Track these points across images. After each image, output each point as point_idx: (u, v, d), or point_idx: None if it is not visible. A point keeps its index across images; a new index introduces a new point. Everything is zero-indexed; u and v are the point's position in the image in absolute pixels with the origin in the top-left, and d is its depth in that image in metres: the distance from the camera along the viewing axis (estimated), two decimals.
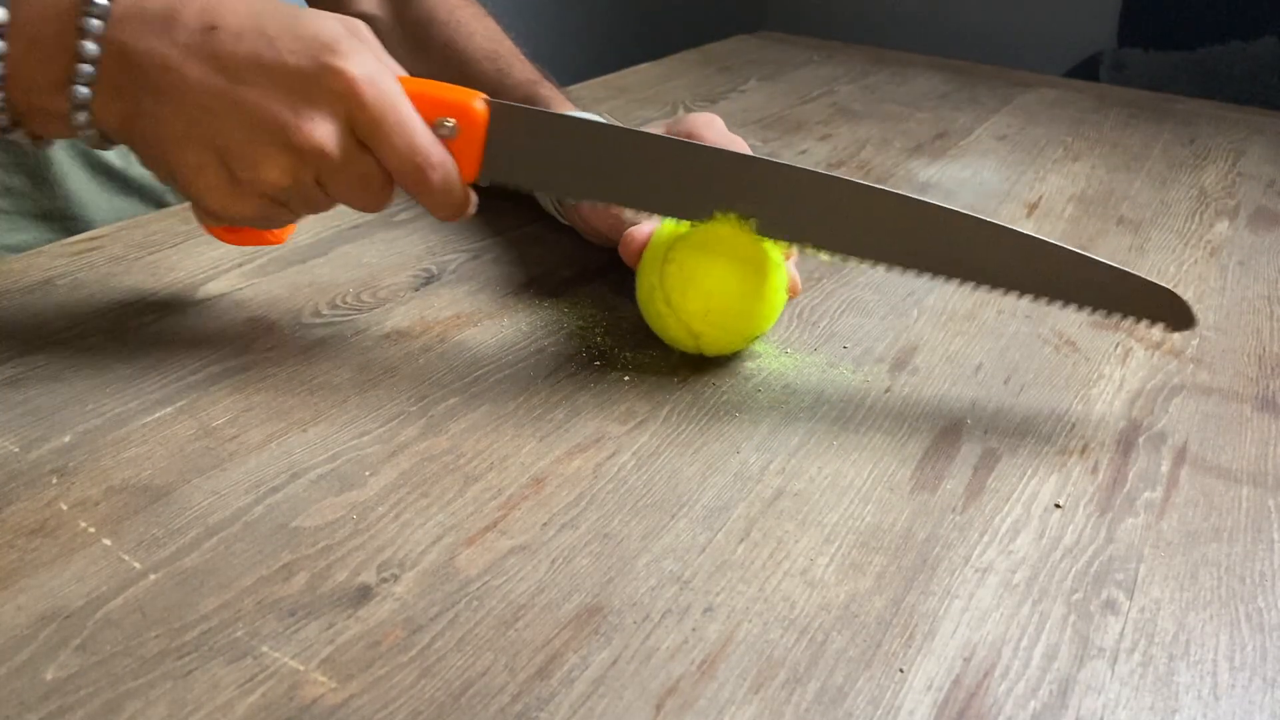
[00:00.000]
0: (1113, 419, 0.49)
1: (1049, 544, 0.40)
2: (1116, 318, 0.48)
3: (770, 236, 0.48)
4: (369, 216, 0.65)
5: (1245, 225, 0.75)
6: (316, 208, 0.46)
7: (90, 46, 0.41)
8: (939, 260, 0.47)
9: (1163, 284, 0.47)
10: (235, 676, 0.32)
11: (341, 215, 0.65)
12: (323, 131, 0.42)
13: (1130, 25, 2.10)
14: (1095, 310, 0.48)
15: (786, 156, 0.83)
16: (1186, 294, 0.63)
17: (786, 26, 1.87)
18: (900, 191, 0.47)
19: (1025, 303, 0.59)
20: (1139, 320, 0.48)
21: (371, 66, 0.42)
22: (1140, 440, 0.47)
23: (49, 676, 0.31)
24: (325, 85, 0.41)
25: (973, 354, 0.54)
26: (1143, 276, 0.47)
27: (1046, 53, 2.11)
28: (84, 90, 0.41)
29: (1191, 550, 0.40)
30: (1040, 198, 0.77)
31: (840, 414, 0.48)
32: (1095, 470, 0.45)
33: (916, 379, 0.51)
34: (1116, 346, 0.55)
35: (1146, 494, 0.44)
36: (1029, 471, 0.44)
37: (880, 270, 0.48)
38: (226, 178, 0.43)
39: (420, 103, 0.44)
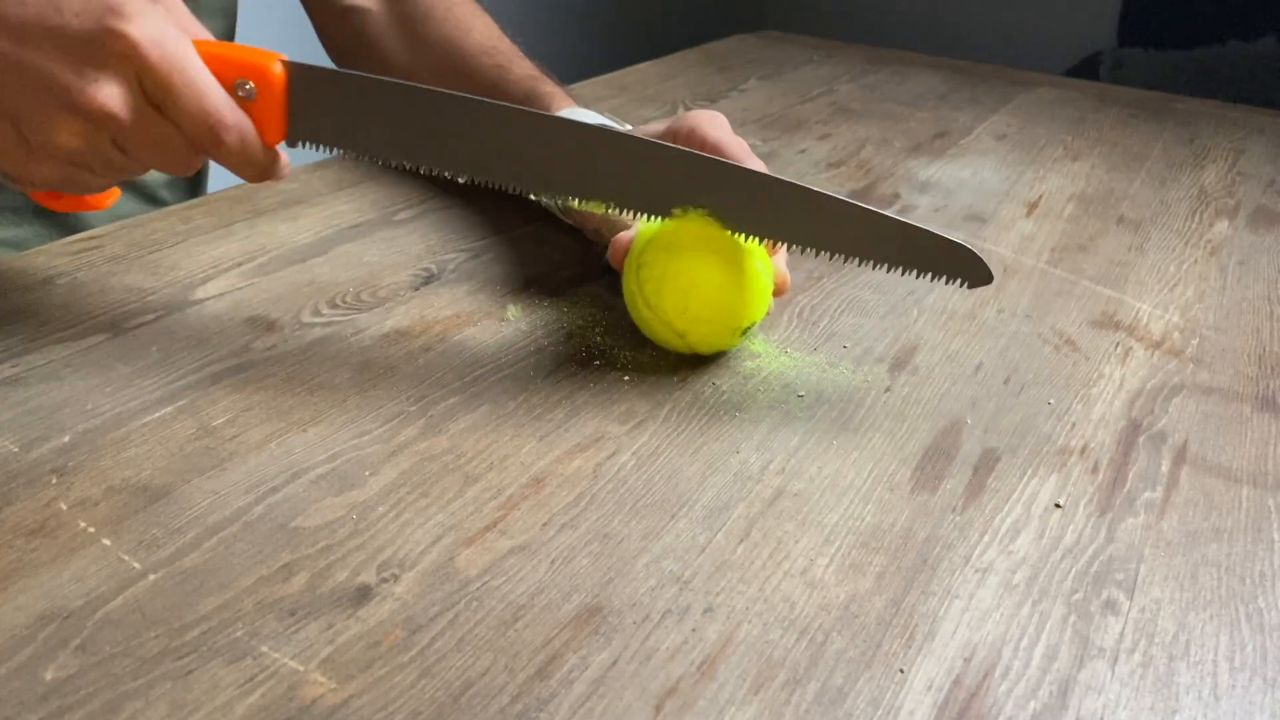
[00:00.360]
0: (1113, 419, 0.49)
1: (1049, 544, 0.40)
2: (913, 274, 0.47)
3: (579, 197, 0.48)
4: (369, 215, 0.65)
5: (1245, 225, 0.75)
6: (123, 171, 0.45)
7: None
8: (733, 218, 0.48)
9: (959, 240, 0.47)
10: (235, 677, 0.32)
11: (341, 214, 0.65)
12: (107, 94, 0.41)
13: (1130, 25, 2.10)
14: (892, 267, 0.47)
15: (786, 156, 0.83)
16: (1186, 294, 0.63)
17: (786, 26, 1.87)
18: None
19: (1023, 302, 0.59)
20: (936, 277, 0.47)
21: (157, 28, 0.42)
22: (1140, 440, 0.47)
23: (48, 677, 0.31)
24: (108, 47, 0.41)
25: (973, 354, 0.54)
26: (937, 232, 0.47)
27: (1046, 53, 2.11)
28: None
29: (1191, 550, 0.40)
30: (1040, 197, 0.77)
31: (840, 414, 0.48)
32: (1095, 470, 0.45)
33: (916, 379, 0.51)
34: (1116, 346, 0.55)
35: (1146, 494, 0.44)
36: (1029, 471, 0.44)
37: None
38: (19, 141, 0.42)
39: (216, 65, 0.44)
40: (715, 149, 0.53)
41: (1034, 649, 0.35)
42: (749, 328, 0.50)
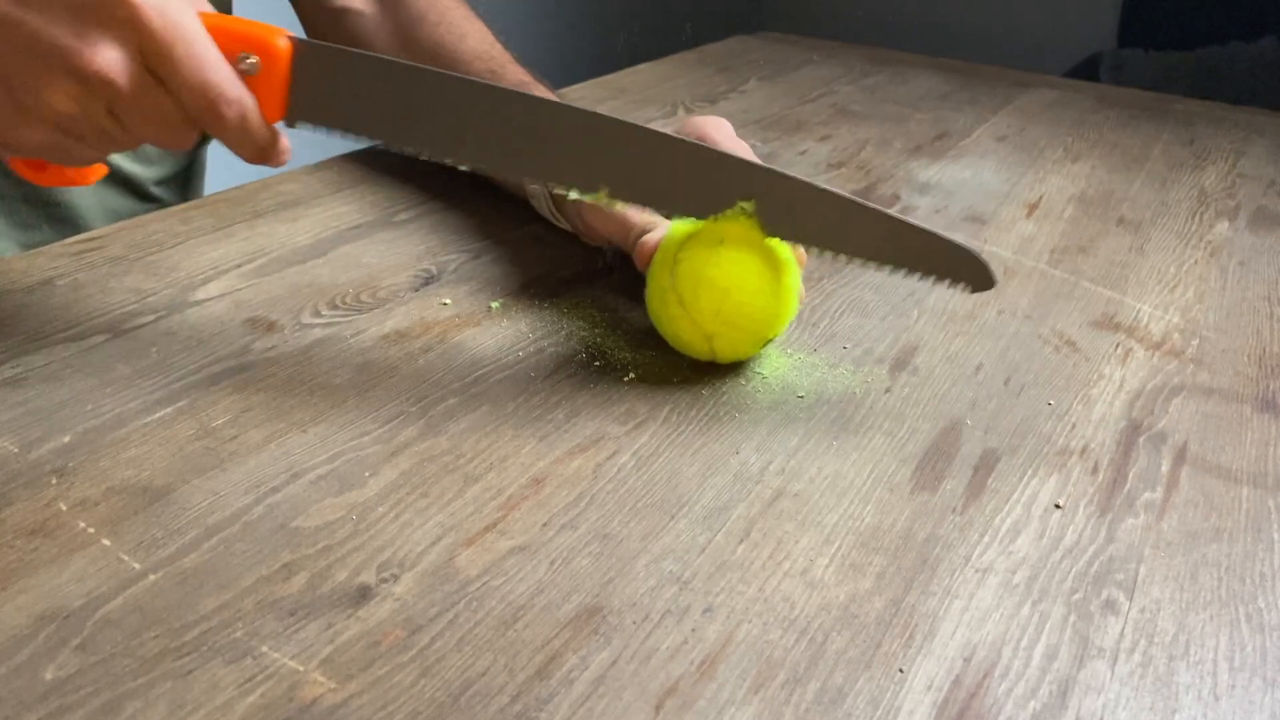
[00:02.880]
0: (1113, 419, 0.49)
1: (1049, 544, 0.40)
2: (915, 276, 0.47)
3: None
4: (369, 216, 0.65)
5: (1245, 225, 0.75)
6: (114, 142, 0.44)
7: None
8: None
9: (962, 242, 0.46)
10: (235, 676, 0.32)
11: (341, 215, 0.65)
12: (107, 58, 0.41)
13: (1130, 25, 2.10)
14: (894, 269, 0.47)
15: (787, 157, 0.83)
16: (1186, 294, 0.63)
17: (786, 26, 1.87)
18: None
19: (1023, 303, 0.59)
20: (938, 280, 0.47)
21: None
22: (1140, 440, 0.47)
23: (48, 676, 0.31)
24: (110, 11, 0.40)
25: (973, 354, 0.54)
26: (940, 234, 0.46)
27: (1046, 53, 2.11)
28: None
29: (1191, 550, 0.40)
30: (1040, 198, 0.77)
31: (840, 414, 0.48)
32: (1095, 470, 0.45)
33: (916, 379, 0.51)
34: (1117, 346, 0.55)
35: (1146, 494, 0.44)
36: (1029, 472, 0.44)
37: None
38: (10, 103, 0.42)
39: (221, 37, 0.43)
40: None
41: (1034, 649, 0.35)
42: (770, 340, 0.50)
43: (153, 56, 0.41)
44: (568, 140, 0.46)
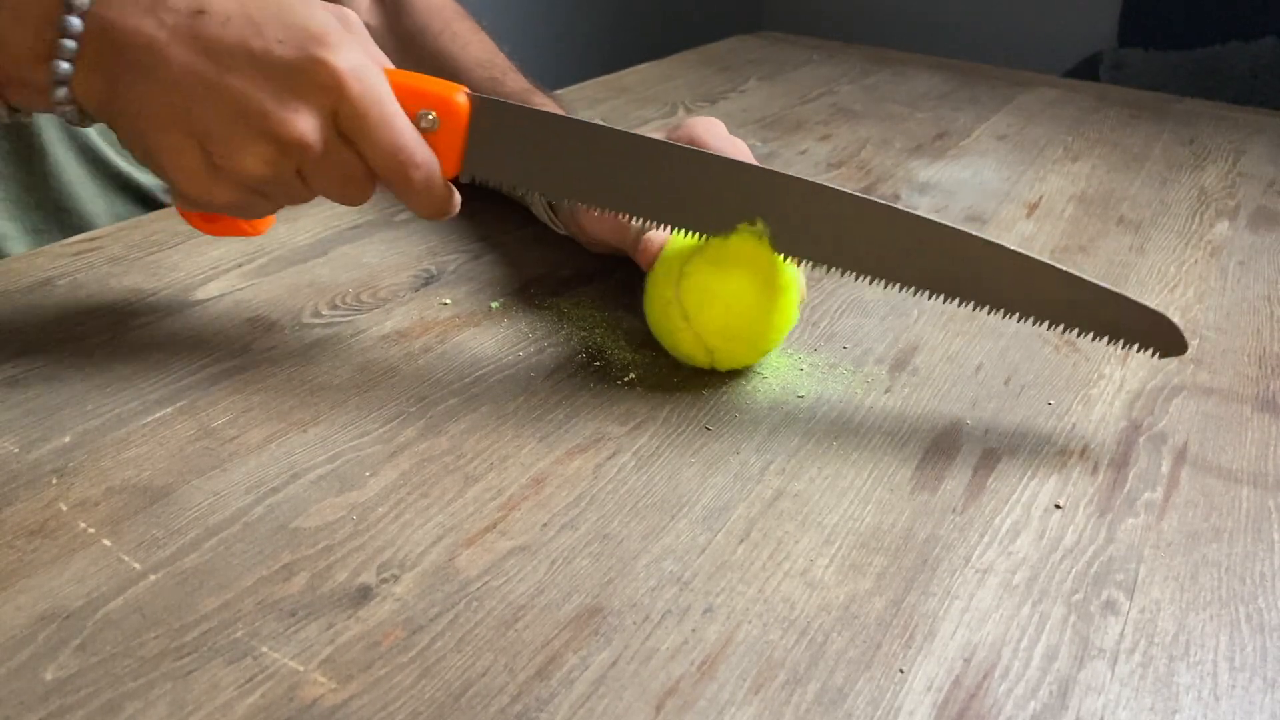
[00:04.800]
0: (1113, 419, 0.49)
1: (1049, 545, 0.40)
2: (1105, 340, 0.46)
3: (778, 250, 0.47)
4: (369, 216, 0.65)
5: (1245, 225, 0.75)
6: (296, 199, 0.45)
7: (74, 21, 0.40)
8: (939, 279, 0.46)
9: (1156, 308, 0.46)
10: (235, 677, 0.32)
11: (341, 215, 0.65)
12: (305, 124, 0.41)
13: (1130, 25, 2.10)
14: (1085, 333, 0.46)
15: (786, 156, 0.83)
16: (1186, 294, 0.63)
17: (786, 26, 1.87)
18: (905, 209, 0.46)
19: None
20: (1129, 346, 0.47)
21: (359, 59, 0.42)
22: (1140, 440, 0.47)
23: (49, 677, 0.31)
24: (311, 77, 0.41)
25: (973, 354, 0.54)
26: (1136, 300, 0.46)
27: (1046, 53, 2.11)
28: (65, 65, 0.41)
29: (1191, 551, 0.40)
30: (1040, 198, 0.77)
31: (840, 414, 0.48)
32: (1095, 471, 0.45)
33: (916, 379, 0.51)
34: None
35: (1146, 494, 0.44)
36: (1029, 472, 0.44)
37: (879, 286, 0.47)
38: (205, 164, 0.42)
39: (402, 94, 0.43)
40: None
41: (1034, 649, 0.35)
42: (771, 350, 0.50)
43: (348, 120, 0.42)
44: (713, 187, 0.47)
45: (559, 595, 0.36)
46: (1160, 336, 0.46)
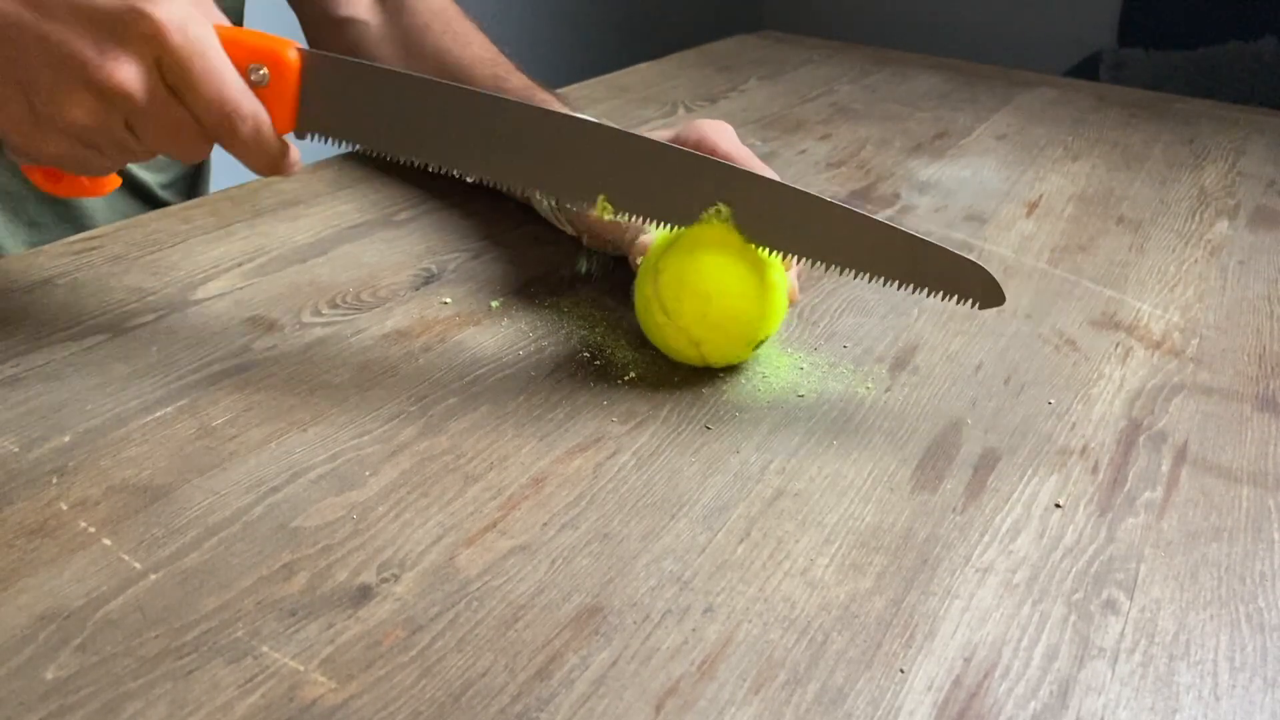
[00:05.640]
0: (1113, 419, 0.49)
1: (1049, 544, 0.40)
2: (923, 292, 0.47)
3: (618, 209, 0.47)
4: (369, 216, 0.65)
5: (1245, 225, 0.75)
6: (130, 154, 0.45)
7: None
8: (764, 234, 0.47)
9: (969, 257, 0.46)
10: (235, 677, 0.32)
11: (341, 215, 0.65)
12: (126, 73, 0.41)
13: (1130, 25, 2.10)
14: (902, 284, 0.46)
15: (787, 156, 0.83)
16: (1186, 294, 0.63)
17: (786, 26, 1.87)
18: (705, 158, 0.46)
19: (1024, 302, 0.59)
20: (946, 296, 0.47)
21: (182, 11, 0.42)
22: (1140, 440, 0.47)
23: (49, 676, 0.31)
24: (131, 26, 0.41)
25: (973, 354, 0.54)
26: (948, 249, 0.46)
27: (1046, 53, 2.11)
28: None
29: (1192, 550, 0.40)
30: (1040, 197, 0.77)
31: (840, 414, 0.48)
32: (1095, 470, 0.45)
33: (916, 379, 0.51)
34: (1117, 346, 0.55)
35: (1146, 494, 0.44)
36: (1029, 471, 0.44)
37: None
38: (31, 113, 0.42)
39: (233, 49, 0.43)
40: (726, 160, 0.53)
41: (1034, 649, 0.35)
42: (763, 341, 0.50)
43: (171, 71, 0.42)
44: (567, 151, 0.47)
45: (559, 595, 0.36)
46: (975, 286, 0.46)
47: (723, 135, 0.54)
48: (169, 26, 0.41)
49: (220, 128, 0.43)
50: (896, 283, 0.47)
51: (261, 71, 0.44)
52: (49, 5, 0.41)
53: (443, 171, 0.48)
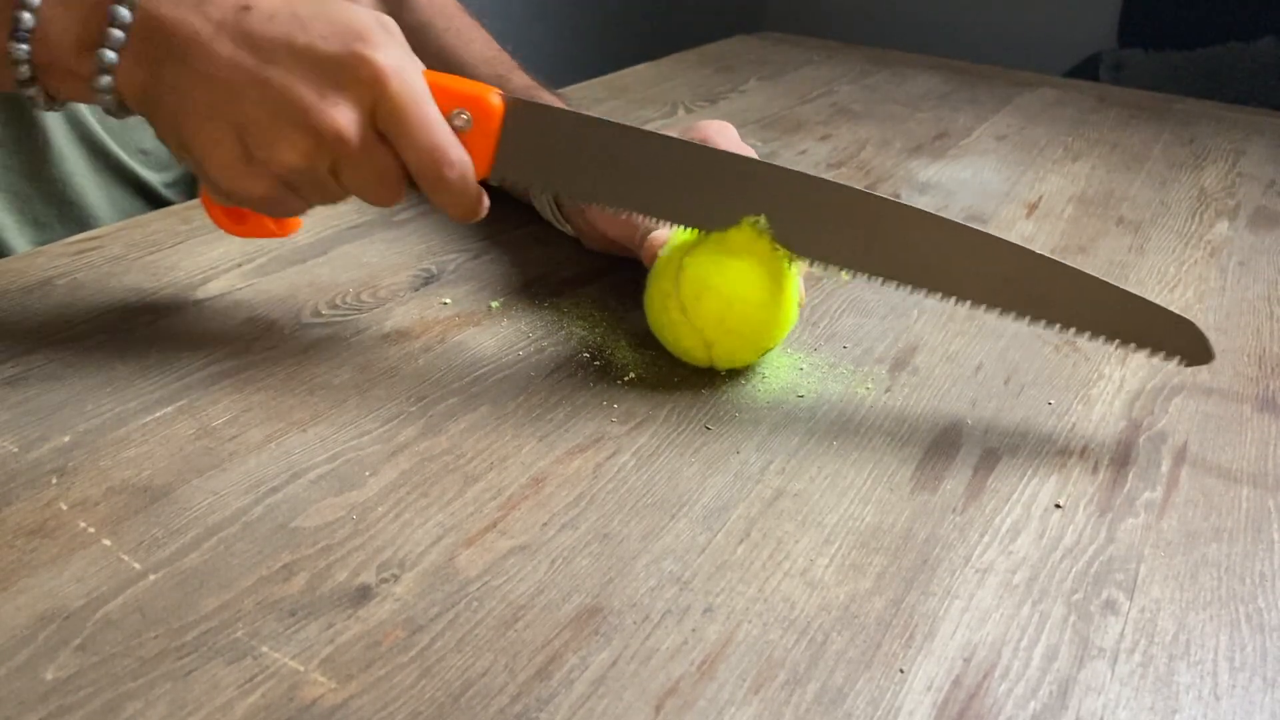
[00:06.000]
0: (1113, 419, 0.49)
1: (1049, 544, 0.40)
2: (1130, 348, 0.46)
3: (785, 246, 0.47)
4: (369, 216, 0.65)
5: (1245, 225, 0.75)
6: (328, 196, 0.45)
7: (123, 12, 0.41)
8: (950, 280, 0.46)
9: (1181, 314, 0.46)
10: (235, 677, 0.32)
11: (341, 215, 0.65)
12: (344, 117, 0.42)
13: (1130, 25, 2.10)
14: (1107, 339, 0.46)
15: (786, 156, 0.83)
16: (1186, 294, 0.63)
17: (786, 26, 1.87)
18: (921, 209, 0.46)
19: None
20: (1153, 353, 0.46)
21: (399, 58, 0.43)
22: (1140, 440, 0.47)
23: (48, 677, 0.31)
24: (353, 72, 0.42)
25: (973, 354, 0.54)
26: (1161, 305, 0.45)
27: (1046, 53, 2.11)
28: (111, 55, 0.41)
29: (1191, 550, 0.40)
30: (1040, 198, 0.77)
31: (840, 414, 0.48)
32: (1095, 470, 0.45)
33: (916, 379, 0.51)
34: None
35: (1146, 494, 0.44)
36: (1029, 472, 0.44)
37: (891, 288, 0.47)
38: (242, 155, 0.43)
39: (438, 94, 0.44)
40: None
41: (1034, 649, 0.35)
42: (770, 349, 0.50)
43: (386, 118, 0.42)
44: (726, 185, 0.47)
45: (559, 595, 0.36)
46: (1184, 343, 0.46)
47: (725, 135, 0.54)
48: (389, 72, 0.42)
49: (428, 174, 0.44)
50: (1085, 333, 0.46)
51: (465, 116, 0.45)
52: (270, 50, 0.41)
53: (625, 215, 0.49)
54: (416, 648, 0.33)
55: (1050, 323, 0.46)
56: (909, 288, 0.46)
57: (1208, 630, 0.37)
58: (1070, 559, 0.39)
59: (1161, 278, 0.65)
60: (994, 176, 0.81)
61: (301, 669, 0.32)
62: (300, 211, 0.47)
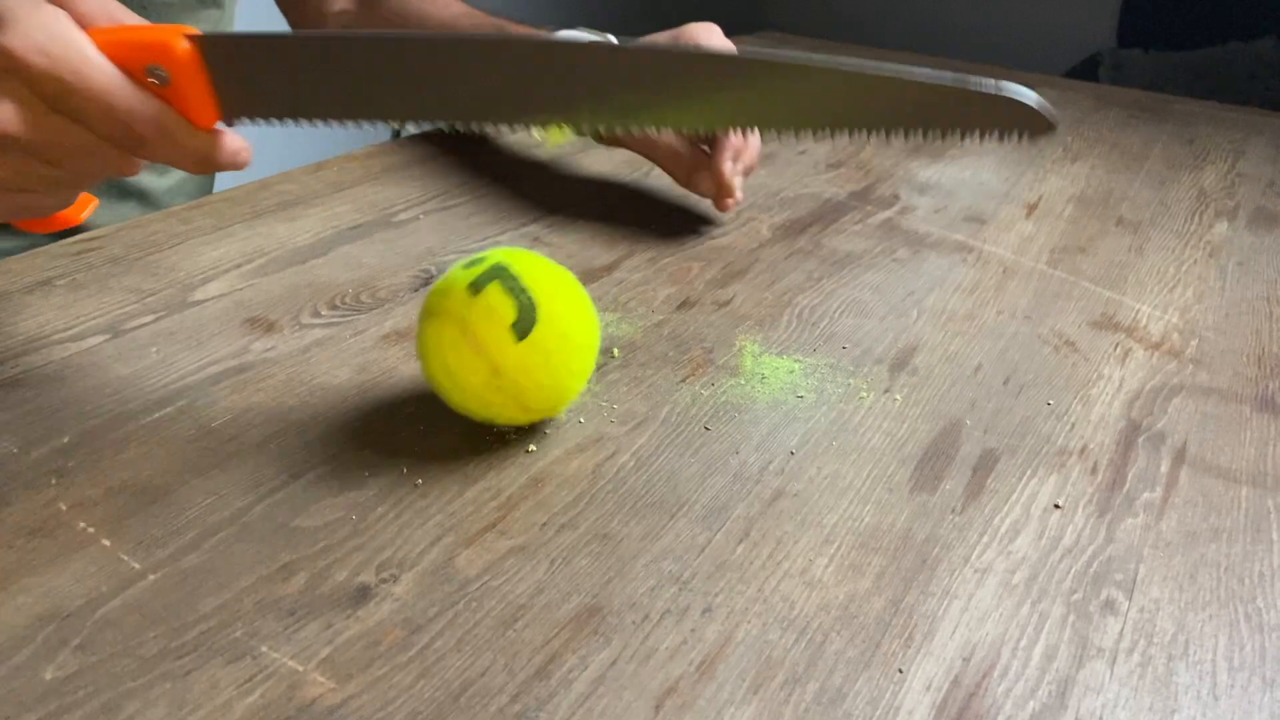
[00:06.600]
0: (1112, 419, 0.49)
1: (1048, 544, 0.40)
2: (956, 136, 0.41)
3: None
4: (369, 216, 0.65)
5: (1245, 225, 0.75)
6: (68, 184, 0.42)
7: None
8: (739, 114, 0.42)
9: (1002, 92, 0.40)
10: (234, 676, 0.32)
11: (341, 215, 0.65)
12: (3, 114, 0.39)
13: (1130, 25, 2.10)
14: (929, 133, 0.41)
15: (786, 156, 0.84)
16: (1185, 294, 0.63)
17: (786, 26, 1.87)
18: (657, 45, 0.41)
19: (1023, 303, 0.59)
20: (985, 136, 0.41)
21: (40, 31, 0.39)
22: (1140, 440, 0.47)
23: (48, 676, 0.31)
24: None
25: (972, 354, 0.54)
26: (979, 88, 0.40)
27: (1046, 53, 2.11)
28: None
29: (1191, 550, 0.41)
30: (1040, 198, 0.77)
31: (840, 414, 0.48)
32: (1095, 470, 0.45)
33: (916, 379, 0.51)
34: (1116, 347, 0.56)
35: (1146, 494, 0.44)
36: (1028, 472, 0.44)
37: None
38: None
39: (119, 52, 0.40)
40: None
41: (1033, 649, 0.35)
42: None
43: (50, 95, 0.39)
44: (514, 72, 0.42)
45: (558, 595, 0.36)
46: (1019, 119, 0.40)
47: (712, 35, 0.53)
48: (26, 51, 0.38)
49: (123, 137, 0.41)
50: (925, 134, 0.41)
51: (161, 73, 0.41)
52: None
53: (394, 124, 0.43)
54: (416, 647, 0.33)
55: (864, 131, 0.41)
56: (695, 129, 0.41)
57: (1207, 630, 0.37)
58: (1069, 559, 0.40)
59: (1161, 278, 0.65)
60: (993, 177, 0.81)
61: (301, 669, 0.32)
62: (68, 202, 0.44)
